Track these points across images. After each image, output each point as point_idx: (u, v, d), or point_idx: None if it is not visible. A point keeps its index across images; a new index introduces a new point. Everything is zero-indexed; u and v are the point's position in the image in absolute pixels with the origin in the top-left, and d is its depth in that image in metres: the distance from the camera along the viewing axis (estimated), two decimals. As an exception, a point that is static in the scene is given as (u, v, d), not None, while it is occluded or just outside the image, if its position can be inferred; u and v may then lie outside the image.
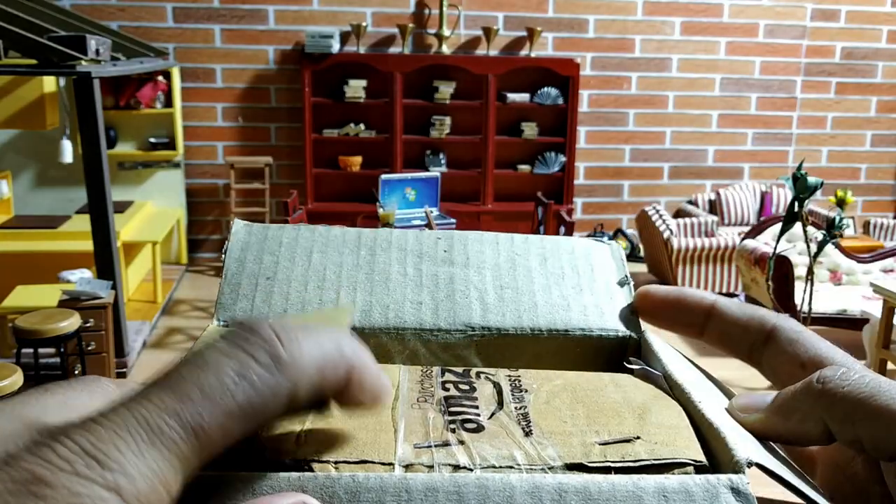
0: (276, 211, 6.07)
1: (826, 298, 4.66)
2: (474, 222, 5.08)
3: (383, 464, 0.24)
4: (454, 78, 6.12)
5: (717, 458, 0.25)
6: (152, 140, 5.90)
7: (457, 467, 0.24)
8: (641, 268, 6.33)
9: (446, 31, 6.05)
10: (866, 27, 6.65)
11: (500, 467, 0.24)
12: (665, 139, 6.62)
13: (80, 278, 4.00)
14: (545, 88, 6.16)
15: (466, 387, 0.29)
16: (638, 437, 0.26)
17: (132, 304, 5.09)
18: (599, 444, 0.25)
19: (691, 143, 6.67)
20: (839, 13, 6.59)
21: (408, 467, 0.23)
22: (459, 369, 0.30)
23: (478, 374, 0.30)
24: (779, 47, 6.58)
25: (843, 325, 4.59)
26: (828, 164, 6.89)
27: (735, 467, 0.23)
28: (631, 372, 0.32)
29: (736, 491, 0.22)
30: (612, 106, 6.50)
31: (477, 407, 0.27)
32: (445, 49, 6.10)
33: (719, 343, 0.33)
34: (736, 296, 5.70)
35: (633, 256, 6.60)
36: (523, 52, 6.26)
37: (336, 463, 0.23)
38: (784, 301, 4.34)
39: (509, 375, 0.30)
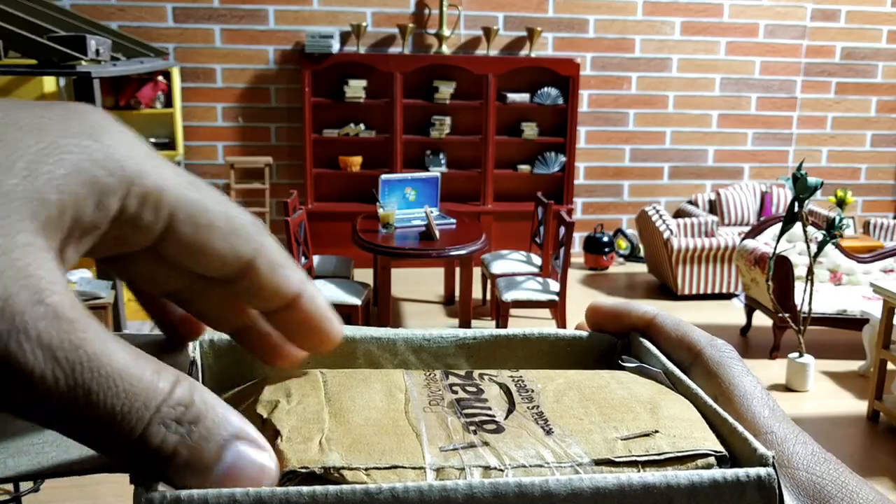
0: (276, 211, 6.07)
1: (826, 298, 4.66)
2: (474, 222, 5.08)
3: (414, 468, 0.23)
4: (454, 78, 6.12)
5: (734, 451, 0.25)
6: (152, 140, 5.90)
7: (487, 468, 0.24)
8: (642, 268, 6.33)
9: (446, 31, 6.05)
10: (866, 27, 6.65)
11: (530, 466, 0.24)
12: (665, 139, 6.62)
13: (80, 278, 4.00)
14: (545, 88, 6.16)
15: (473, 388, 0.29)
16: (657, 431, 0.26)
17: (132, 304, 5.09)
18: (622, 440, 0.26)
19: (691, 143, 6.67)
20: (839, 13, 6.59)
21: (439, 471, 0.24)
22: (462, 371, 0.30)
23: (481, 376, 0.30)
24: (779, 47, 6.58)
25: (843, 325, 4.60)
26: (828, 164, 6.89)
27: (761, 461, 0.24)
28: (624, 369, 0.32)
29: (761, 486, 0.23)
30: (612, 106, 6.50)
31: (490, 408, 0.27)
32: (445, 49, 6.10)
33: None
34: (736, 296, 5.70)
35: (633, 256, 6.60)
36: (523, 52, 6.26)
37: (367, 469, 0.23)
38: (784, 301, 4.35)
39: (511, 376, 0.30)
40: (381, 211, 4.54)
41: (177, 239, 0.23)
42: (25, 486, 2.99)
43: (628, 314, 0.34)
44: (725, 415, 0.26)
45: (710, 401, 0.27)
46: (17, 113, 0.21)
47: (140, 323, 4.70)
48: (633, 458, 0.25)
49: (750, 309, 5.00)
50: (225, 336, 0.30)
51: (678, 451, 0.25)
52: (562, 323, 4.37)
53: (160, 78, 5.78)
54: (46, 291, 0.19)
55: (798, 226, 3.84)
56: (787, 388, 4.19)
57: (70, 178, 0.20)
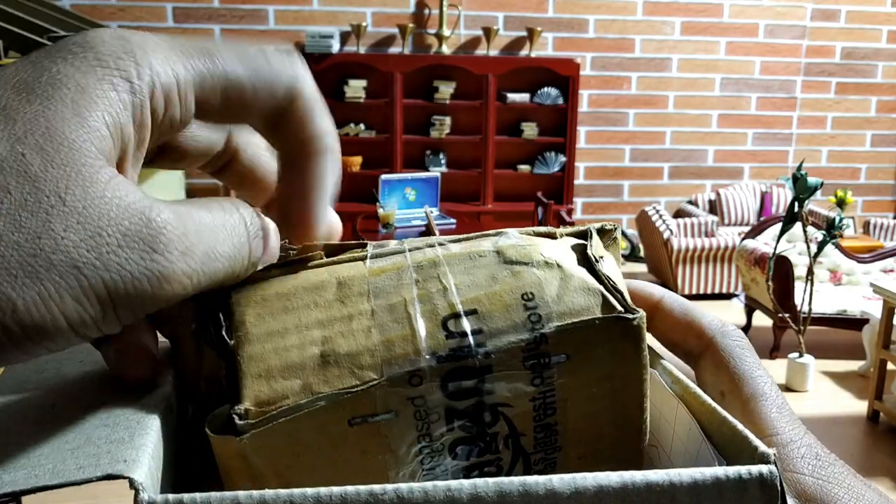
0: (276, 211, 6.06)
1: (826, 298, 4.66)
2: (474, 222, 5.08)
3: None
4: (454, 78, 6.13)
5: (735, 450, 0.25)
6: (152, 140, 5.90)
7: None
8: (641, 268, 6.33)
9: (446, 31, 6.05)
10: (866, 27, 6.65)
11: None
12: (665, 139, 6.62)
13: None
14: (545, 88, 6.16)
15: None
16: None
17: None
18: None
19: (691, 143, 6.67)
20: (839, 13, 6.59)
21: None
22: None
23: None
24: (779, 47, 6.58)
25: (843, 325, 4.60)
26: (828, 164, 6.89)
27: (763, 458, 0.24)
28: None
29: (763, 483, 0.23)
30: (612, 106, 6.50)
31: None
32: (445, 49, 6.10)
33: (661, 341, 0.32)
34: (736, 296, 5.70)
35: (633, 256, 6.60)
36: (523, 52, 6.26)
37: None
38: (784, 301, 4.34)
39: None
40: (381, 211, 4.54)
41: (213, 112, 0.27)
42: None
43: (631, 295, 0.32)
44: (725, 414, 0.26)
45: (709, 400, 0.27)
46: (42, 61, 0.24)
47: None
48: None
49: (750, 309, 5.00)
50: None
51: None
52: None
53: (160, 78, 5.77)
54: (148, 211, 0.23)
55: (798, 226, 3.83)
56: (787, 388, 4.20)
57: (111, 117, 0.23)
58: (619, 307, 0.26)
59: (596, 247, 0.29)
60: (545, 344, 0.26)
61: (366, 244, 0.29)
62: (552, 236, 0.30)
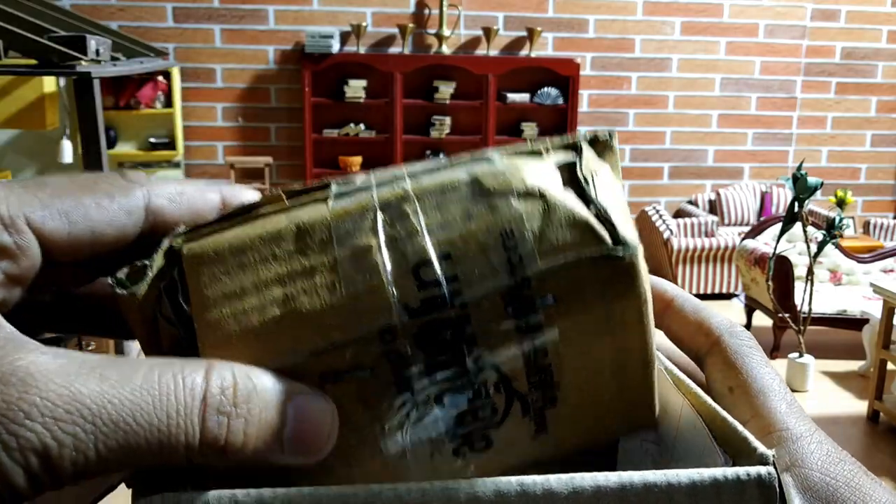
0: (276, 211, 6.06)
1: (826, 298, 4.66)
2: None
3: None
4: (454, 78, 6.13)
5: (735, 451, 0.25)
6: (152, 140, 5.90)
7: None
8: (641, 268, 6.33)
9: (446, 31, 6.05)
10: (866, 27, 6.65)
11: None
12: (665, 139, 6.62)
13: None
14: (545, 88, 6.16)
15: None
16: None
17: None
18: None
19: (691, 143, 6.67)
20: (839, 13, 6.59)
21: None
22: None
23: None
24: (779, 47, 6.58)
25: (843, 325, 4.60)
26: (828, 164, 6.89)
27: (761, 460, 0.24)
28: None
29: (761, 484, 0.23)
30: (612, 106, 6.50)
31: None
32: (445, 49, 6.10)
33: (671, 338, 0.32)
34: (736, 296, 5.70)
35: (633, 256, 6.60)
36: (523, 52, 6.26)
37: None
38: (784, 301, 4.35)
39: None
40: (381, 211, 4.54)
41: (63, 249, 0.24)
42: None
43: None
44: (725, 414, 0.26)
45: (708, 400, 0.27)
46: None
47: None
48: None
49: (750, 309, 5.00)
50: None
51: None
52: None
53: (160, 78, 5.78)
54: (10, 364, 0.19)
55: (798, 226, 3.83)
56: (787, 388, 4.20)
57: None
58: (608, 240, 0.24)
59: (587, 162, 0.26)
60: (527, 288, 0.24)
61: (329, 184, 0.26)
62: (537, 153, 0.26)
